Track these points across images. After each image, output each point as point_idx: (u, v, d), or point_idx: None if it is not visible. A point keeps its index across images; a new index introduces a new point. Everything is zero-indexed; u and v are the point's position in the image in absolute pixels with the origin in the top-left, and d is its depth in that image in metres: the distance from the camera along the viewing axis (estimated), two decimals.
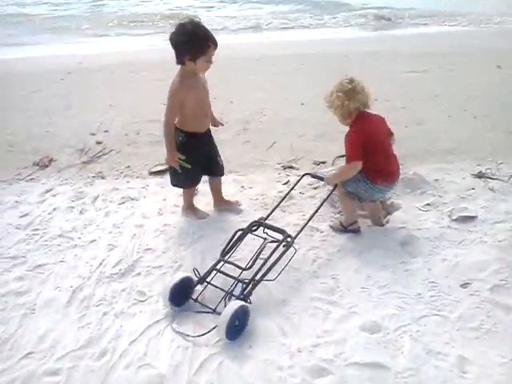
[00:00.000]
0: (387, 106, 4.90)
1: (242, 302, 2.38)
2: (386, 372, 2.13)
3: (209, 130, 3.16)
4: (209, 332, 2.33)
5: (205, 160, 3.15)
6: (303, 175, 3.25)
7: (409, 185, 3.55)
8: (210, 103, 3.08)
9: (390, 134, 3.08)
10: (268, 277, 2.56)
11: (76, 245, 3.12)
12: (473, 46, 6.93)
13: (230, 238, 2.75)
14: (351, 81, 2.85)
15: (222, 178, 3.39)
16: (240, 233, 2.79)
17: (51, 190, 3.79)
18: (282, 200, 3.11)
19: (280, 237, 2.72)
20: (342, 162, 3.82)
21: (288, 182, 3.73)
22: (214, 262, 2.65)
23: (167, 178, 3.88)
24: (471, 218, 3.18)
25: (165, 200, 3.57)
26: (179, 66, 2.87)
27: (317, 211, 2.97)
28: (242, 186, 3.70)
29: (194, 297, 2.56)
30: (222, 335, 2.29)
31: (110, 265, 2.91)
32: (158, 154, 4.26)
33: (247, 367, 2.20)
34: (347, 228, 3.10)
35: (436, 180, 3.64)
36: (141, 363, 2.24)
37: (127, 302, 2.61)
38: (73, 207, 3.54)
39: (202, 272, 2.62)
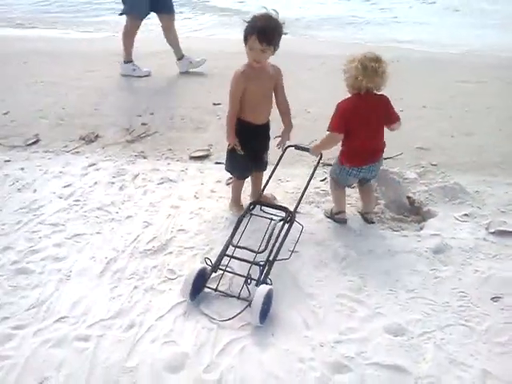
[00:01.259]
0: (436, 114, 4.83)
1: (269, 286, 2.44)
2: (407, 376, 2.12)
3: (265, 125, 3.11)
4: (235, 317, 2.39)
5: (252, 152, 3.13)
6: (287, 147, 3.19)
7: (448, 194, 3.48)
8: (271, 99, 3.02)
9: (395, 119, 2.95)
10: (281, 256, 2.64)
11: (113, 219, 3.23)
12: None
13: (235, 224, 2.82)
14: (377, 60, 2.74)
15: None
16: (241, 216, 2.88)
17: (94, 164, 3.91)
18: (273, 172, 3.10)
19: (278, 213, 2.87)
20: (382, 165, 3.81)
21: (325, 178, 3.72)
22: (222, 249, 2.70)
23: (207, 163, 3.99)
24: (509, 233, 3.10)
25: (202, 184, 3.63)
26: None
27: (309, 182, 3.00)
28: (279, 179, 3.71)
29: (209, 284, 2.59)
30: (255, 320, 2.34)
31: (144, 241, 3.00)
32: (199, 140, 4.34)
33: (268, 355, 2.23)
34: (333, 216, 3.18)
35: (477, 192, 3.55)
36: (166, 339, 2.31)
37: (158, 279, 2.69)
38: (113, 183, 3.65)
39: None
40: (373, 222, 3.22)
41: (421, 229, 3.18)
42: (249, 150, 3.08)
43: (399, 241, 3.03)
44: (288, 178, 3.73)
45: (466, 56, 7.26)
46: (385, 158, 3.96)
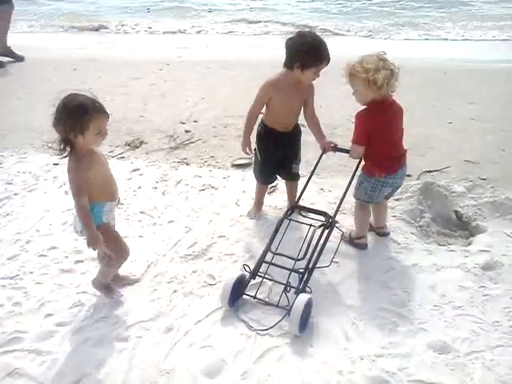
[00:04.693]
0: (485, 127, 4.66)
1: (309, 295, 2.40)
2: None
3: (290, 133, 3.06)
4: (272, 327, 2.36)
5: (277, 160, 3.12)
6: (325, 149, 3.07)
7: (498, 209, 3.34)
8: (297, 110, 3.00)
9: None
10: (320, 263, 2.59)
11: (155, 223, 3.26)
12: None
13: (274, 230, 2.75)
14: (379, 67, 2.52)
15: (302, 179, 3.36)
16: (279, 222, 2.80)
17: (139, 169, 3.98)
18: (310, 179, 3.01)
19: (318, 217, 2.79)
20: (428, 178, 3.71)
21: None
22: (260, 255, 2.66)
23: (248, 171, 3.98)
24: None
25: (244, 192, 3.63)
26: (284, 69, 2.85)
27: (349, 187, 2.86)
28: (322, 189, 3.66)
29: (248, 291, 2.57)
30: (294, 329, 2.31)
31: (185, 246, 3.02)
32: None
33: (306, 365, 2.19)
34: (354, 241, 3.00)
35: None
36: (203, 344, 2.31)
37: (197, 284, 2.70)
38: (156, 188, 3.70)
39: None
40: (388, 234, 3.09)
41: (469, 244, 3.06)
42: (273, 157, 3.08)
43: (445, 255, 2.92)
44: (330, 188, 3.67)
45: None
46: (431, 171, 3.88)
